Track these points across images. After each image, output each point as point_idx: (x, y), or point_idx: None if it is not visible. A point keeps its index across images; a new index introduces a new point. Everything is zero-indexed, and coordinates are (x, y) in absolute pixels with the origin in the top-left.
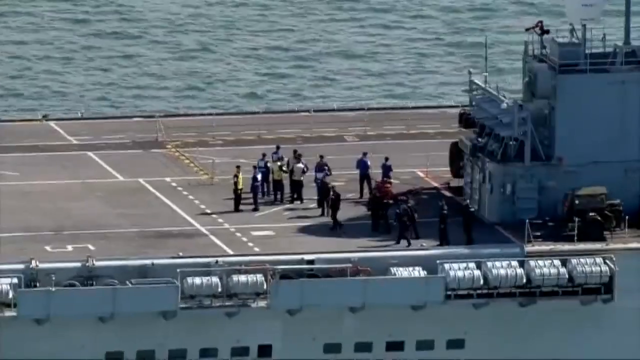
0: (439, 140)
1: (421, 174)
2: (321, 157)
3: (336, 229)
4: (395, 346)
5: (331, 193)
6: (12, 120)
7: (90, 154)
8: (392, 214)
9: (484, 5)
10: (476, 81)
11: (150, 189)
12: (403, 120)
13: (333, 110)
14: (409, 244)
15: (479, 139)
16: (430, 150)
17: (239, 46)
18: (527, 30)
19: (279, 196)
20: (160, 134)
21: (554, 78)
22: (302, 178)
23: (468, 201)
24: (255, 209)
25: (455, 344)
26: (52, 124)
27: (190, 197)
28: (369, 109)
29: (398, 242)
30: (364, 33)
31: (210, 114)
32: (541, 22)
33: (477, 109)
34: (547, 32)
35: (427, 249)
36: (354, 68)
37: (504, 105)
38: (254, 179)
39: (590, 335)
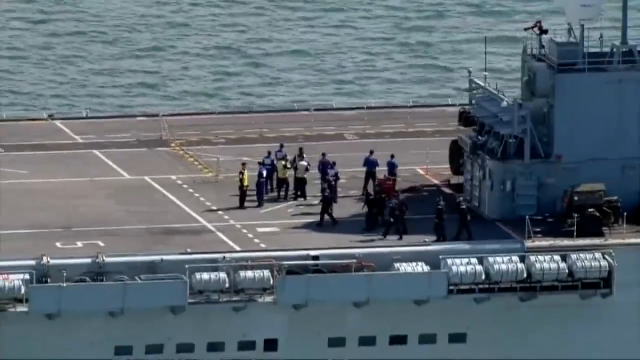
0: (438, 138)
1: (421, 172)
2: (323, 154)
3: (335, 223)
4: (398, 340)
5: (325, 190)
6: (18, 120)
7: (95, 152)
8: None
9: (431, 5)
10: (476, 80)
11: (156, 186)
12: (402, 118)
13: (333, 109)
14: (395, 236)
15: (479, 137)
16: (429, 148)
17: (191, 45)
18: (525, 30)
19: (282, 193)
20: (165, 133)
21: (553, 77)
22: (305, 175)
23: (461, 198)
24: (259, 205)
25: (457, 337)
26: (57, 123)
27: (196, 194)
28: (368, 107)
29: (400, 238)
30: (315, 32)
31: (213, 113)
32: (540, 21)
33: (477, 107)
34: (546, 31)
35: (429, 244)
36: (303, 66)
37: (504, 104)
38: (260, 175)
39: (590, 329)
